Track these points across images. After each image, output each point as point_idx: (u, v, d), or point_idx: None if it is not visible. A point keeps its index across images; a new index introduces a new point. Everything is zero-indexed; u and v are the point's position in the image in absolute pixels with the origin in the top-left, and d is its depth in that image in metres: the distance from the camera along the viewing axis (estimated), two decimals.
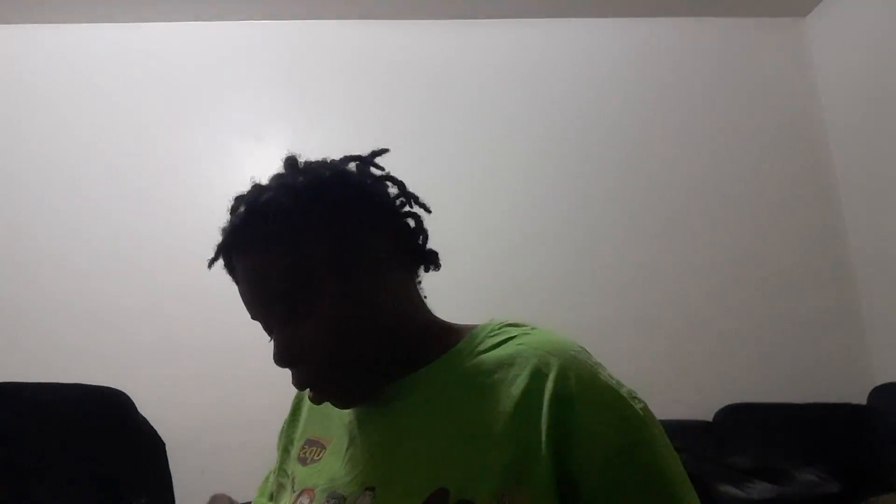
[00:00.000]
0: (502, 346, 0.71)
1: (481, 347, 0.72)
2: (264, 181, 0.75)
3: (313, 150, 0.80)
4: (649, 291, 2.58)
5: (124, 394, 2.08)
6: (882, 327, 2.52)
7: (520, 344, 0.70)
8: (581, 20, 2.85)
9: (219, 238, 0.74)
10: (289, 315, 0.70)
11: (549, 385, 0.63)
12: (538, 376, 0.64)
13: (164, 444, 2.12)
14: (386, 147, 0.79)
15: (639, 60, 2.83)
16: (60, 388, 2.01)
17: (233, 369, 2.38)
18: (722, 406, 2.36)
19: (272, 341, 0.72)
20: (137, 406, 2.10)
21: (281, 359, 0.70)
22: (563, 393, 0.63)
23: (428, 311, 0.79)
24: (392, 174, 0.78)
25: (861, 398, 2.34)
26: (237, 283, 0.73)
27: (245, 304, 0.73)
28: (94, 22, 2.68)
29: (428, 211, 0.79)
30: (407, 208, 0.77)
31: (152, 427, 2.10)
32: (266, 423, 2.27)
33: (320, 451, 0.77)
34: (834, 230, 2.69)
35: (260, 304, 0.72)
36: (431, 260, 0.78)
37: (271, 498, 0.85)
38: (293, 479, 0.78)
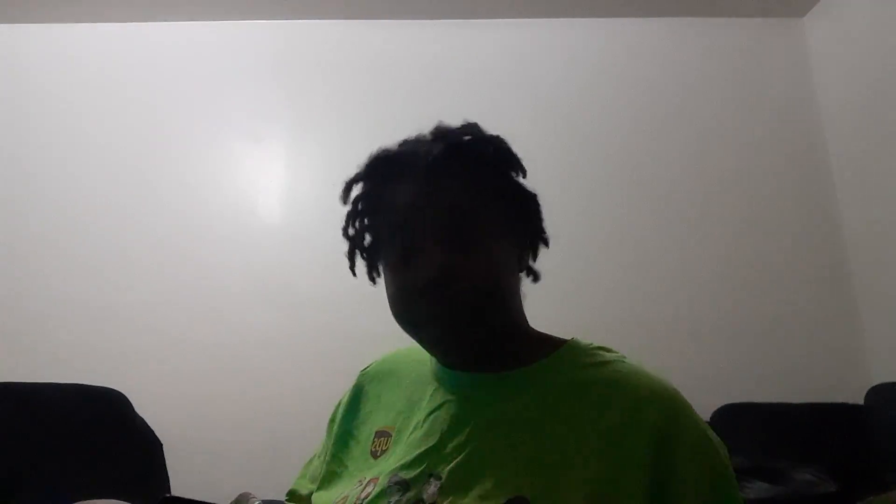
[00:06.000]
0: (598, 368, 0.72)
1: (577, 363, 0.73)
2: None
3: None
4: (644, 291, 2.58)
5: (121, 394, 2.08)
6: (879, 327, 2.52)
7: (617, 371, 0.71)
8: (578, 20, 2.85)
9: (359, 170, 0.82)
10: (462, 239, 0.71)
11: (651, 419, 0.65)
12: (639, 408, 0.66)
13: (160, 444, 2.11)
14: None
15: (636, 60, 2.83)
16: (57, 387, 2.01)
17: (230, 370, 2.39)
18: (719, 406, 2.36)
19: (394, 277, 0.75)
20: (135, 406, 2.10)
21: (440, 273, 0.69)
22: (665, 431, 0.64)
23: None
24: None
25: (858, 398, 2.34)
26: (395, 200, 0.75)
27: (406, 222, 0.73)
28: (92, 21, 2.68)
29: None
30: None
31: (149, 427, 2.10)
32: (262, 423, 2.30)
33: (387, 441, 0.78)
34: (831, 229, 2.69)
35: (439, 220, 0.72)
36: (535, 272, 0.83)
37: (313, 481, 0.85)
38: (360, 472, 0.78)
